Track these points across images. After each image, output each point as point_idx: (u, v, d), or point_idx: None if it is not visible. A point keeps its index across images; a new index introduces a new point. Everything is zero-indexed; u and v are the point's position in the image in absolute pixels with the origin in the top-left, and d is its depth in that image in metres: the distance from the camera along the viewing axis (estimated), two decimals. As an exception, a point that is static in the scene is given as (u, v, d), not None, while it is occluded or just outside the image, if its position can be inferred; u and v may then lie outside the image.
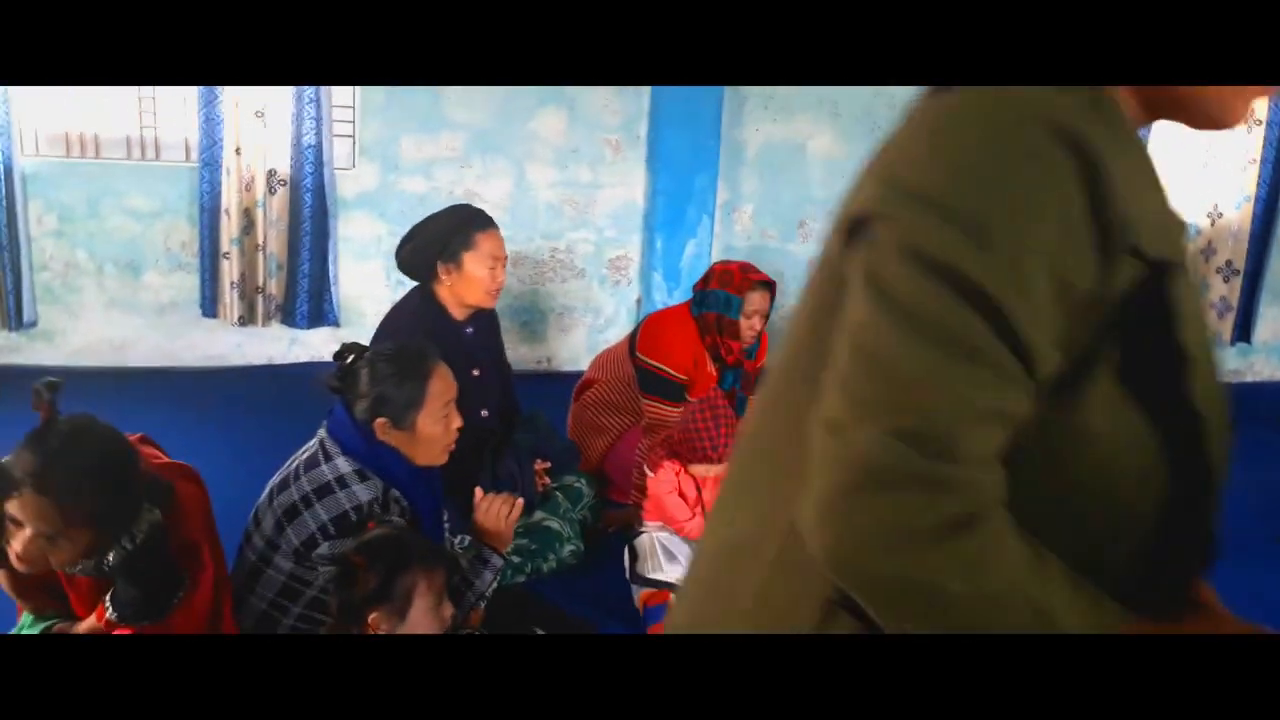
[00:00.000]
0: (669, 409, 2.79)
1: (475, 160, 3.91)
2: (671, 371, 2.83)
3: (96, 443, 1.54)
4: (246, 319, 3.79)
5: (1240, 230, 4.52)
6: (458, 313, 2.59)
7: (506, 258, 2.63)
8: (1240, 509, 3.32)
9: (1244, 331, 4.66)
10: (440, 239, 2.52)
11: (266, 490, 1.94)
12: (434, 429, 1.90)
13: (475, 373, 2.55)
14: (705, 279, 2.91)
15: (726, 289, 2.82)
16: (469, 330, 2.62)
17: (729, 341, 2.85)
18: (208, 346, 3.88)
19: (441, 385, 1.92)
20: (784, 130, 4.13)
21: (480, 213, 2.61)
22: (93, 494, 1.49)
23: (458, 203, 3.00)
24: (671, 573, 2.39)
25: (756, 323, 2.85)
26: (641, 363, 2.87)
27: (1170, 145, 4.33)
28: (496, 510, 2.00)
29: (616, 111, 3.97)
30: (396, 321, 2.56)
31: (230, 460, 2.57)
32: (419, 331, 2.35)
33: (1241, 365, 4.75)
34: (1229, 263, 4.56)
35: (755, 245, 4.18)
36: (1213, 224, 4.51)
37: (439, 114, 3.82)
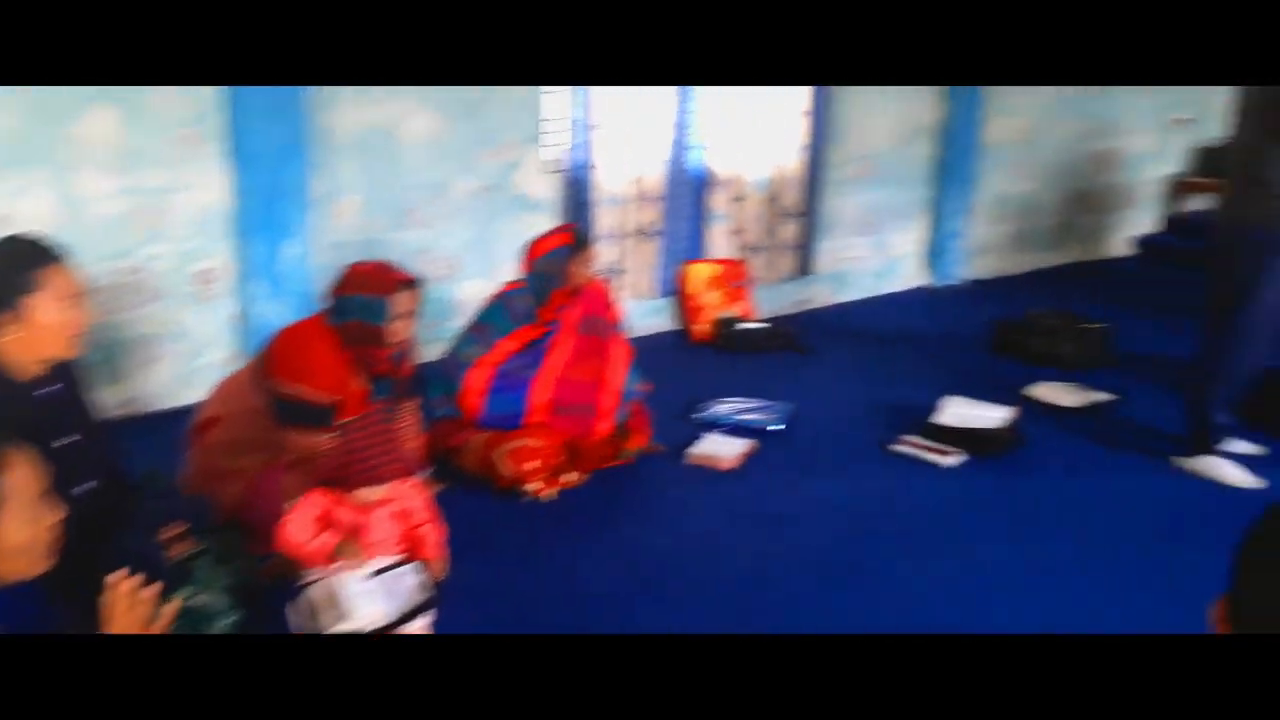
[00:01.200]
0: (318, 437, 2.47)
1: (6, 174, 3.16)
2: (314, 394, 2.51)
3: None
4: None
5: (798, 176, 5.07)
6: (28, 371, 2.06)
7: (83, 291, 2.13)
8: (858, 417, 3.70)
9: (806, 266, 5.27)
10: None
11: None
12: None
13: (61, 443, 2.06)
14: (340, 284, 2.60)
15: (366, 292, 2.54)
16: (44, 391, 2.10)
17: (375, 351, 2.59)
18: None
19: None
20: (375, 114, 3.85)
21: (37, 244, 2.08)
22: None
23: (-3, 233, 2.38)
24: (362, 618, 2.13)
25: (404, 326, 2.62)
26: (277, 390, 2.51)
27: (738, 102, 4.72)
28: (125, 604, 1.61)
29: (185, 104, 3.42)
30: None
31: None
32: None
33: (806, 295, 5.35)
34: (795, 207, 5.11)
35: (366, 239, 3.87)
36: (779, 173, 5.01)
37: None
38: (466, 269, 4.19)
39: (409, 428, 2.76)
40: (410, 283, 2.63)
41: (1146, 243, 6.76)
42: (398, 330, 2.60)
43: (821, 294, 5.45)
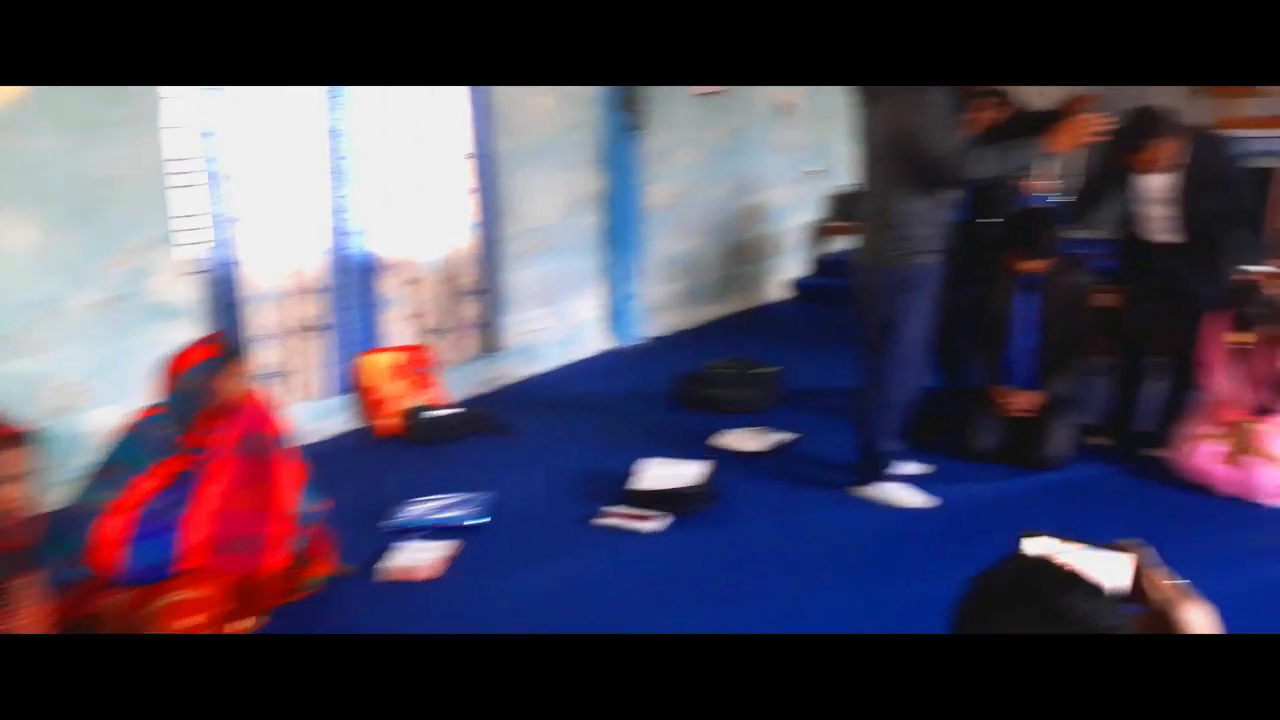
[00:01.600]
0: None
1: None
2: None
3: None
4: None
5: (473, 254, 4.95)
6: None
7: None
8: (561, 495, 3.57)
9: (492, 343, 5.14)
10: None
11: None
12: None
13: None
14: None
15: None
16: None
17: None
18: None
19: None
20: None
21: None
22: None
23: None
24: None
25: (9, 492, 2.11)
26: None
27: (399, 183, 4.53)
28: None
29: None
30: None
31: None
32: None
33: (496, 372, 5.22)
34: (474, 285, 4.98)
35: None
36: (453, 253, 4.86)
37: None
38: (94, 397, 3.61)
39: (28, 609, 2.24)
40: (14, 438, 2.15)
41: (800, 285, 7.34)
42: (2, 498, 2.11)
43: (511, 369, 5.33)
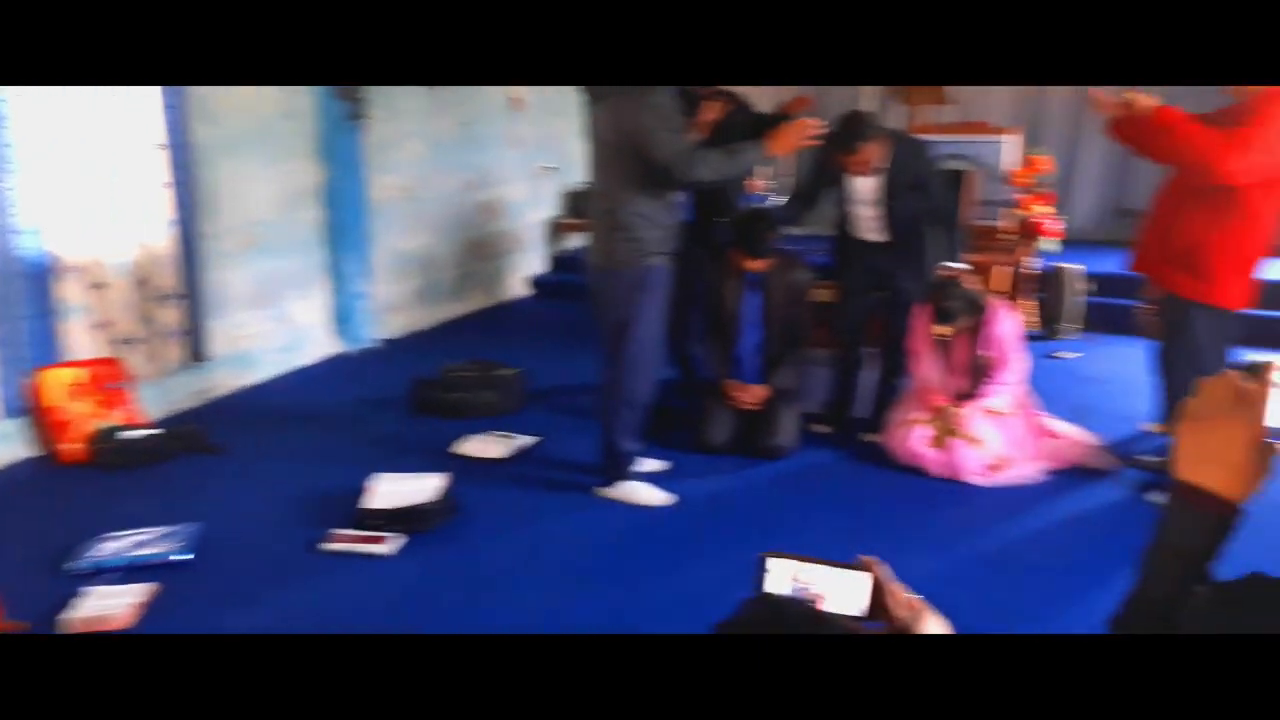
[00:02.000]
0: None
1: None
2: None
3: None
4: None
5: (170, 254, 4.44)
6: None
7: None
8: (283, 520, 3.24)
9: (199, 352, 4.64)
10: None
11: None
12: None
13: None
14: None
15: None
16: None
17: None
18: None
19: None
20: None
21: None
22: None
23: None
24: None
25: None
26: None
27: (79, 176, 3.95)
28: None
29: None
30: None
31: None
32: None
33: (205, 384, 4.74)
34: (173, 288, 4.45)
35: None
36: (146, 253, 4.32)
37: None
38: None
39: None
40: None
41: (538, 282, 7.26)
42: None
43: (223, 380, 4.85)
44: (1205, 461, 0.95)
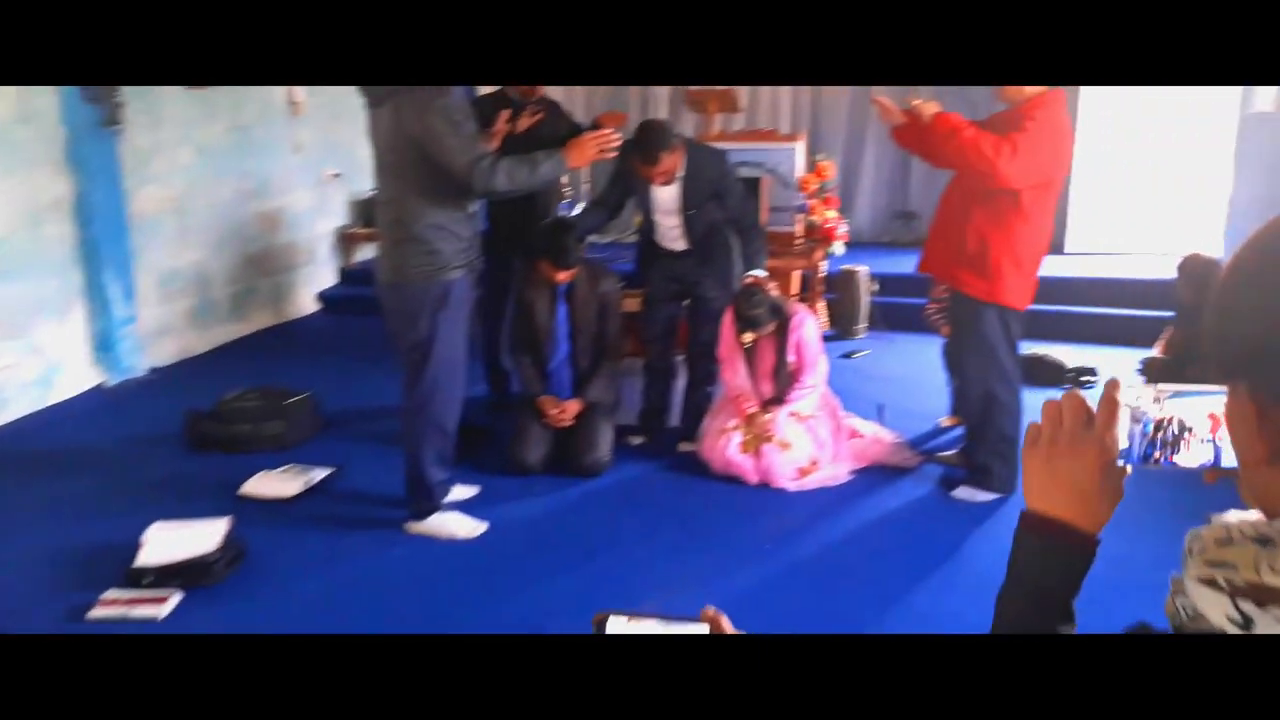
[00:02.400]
0: None
1: None
2: None
3: None
4: None
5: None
6: None
7: None
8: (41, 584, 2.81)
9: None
10: None
11: None
12: None
13: None
14: None
15: None
16: None
17: None
18: None
19: None
20: None
21: None
22: None
23: None
24: None
25: None
26: None
27: None
28: None
29: None
30: None
31: None
32: None
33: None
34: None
35: None
36: None
37: None
38: None
39: None
40: None
41: (328, 297, 6.84)
42: None
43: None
44: (1056, 490, 0.90)
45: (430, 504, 3.28)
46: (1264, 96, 5.61)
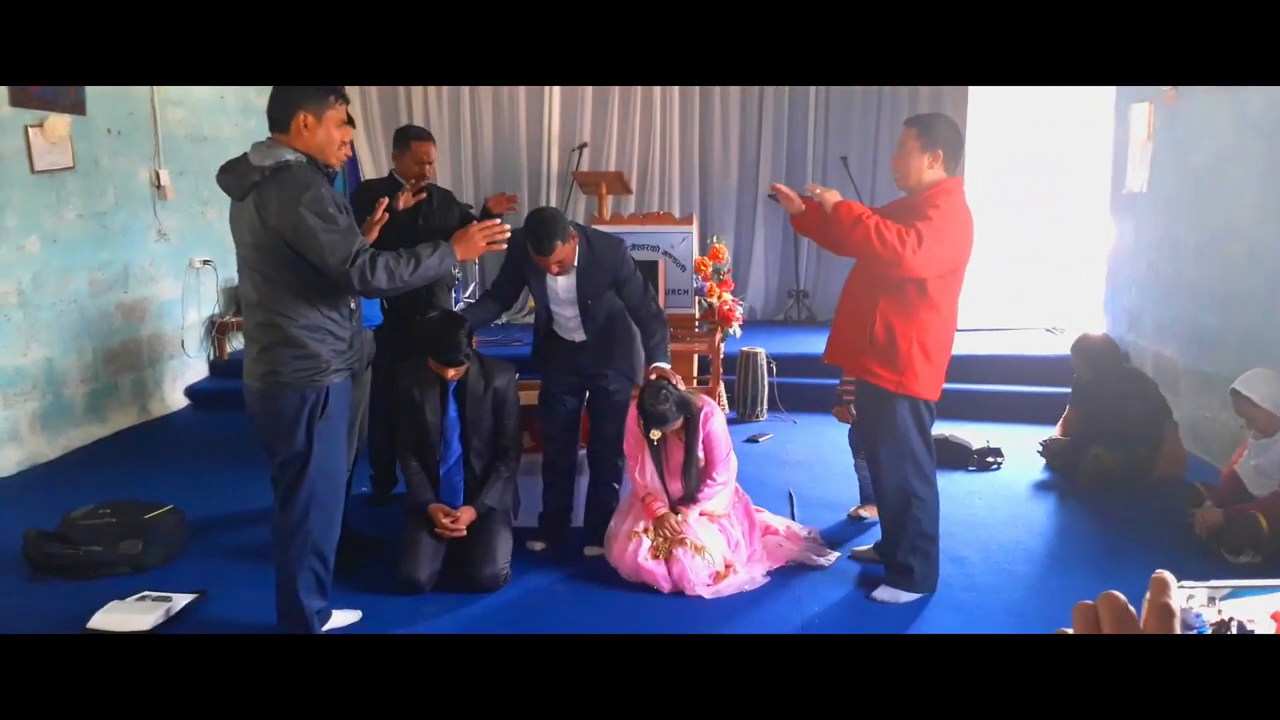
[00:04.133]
0: None
1: None
2: None
3: None
4: None
5: None
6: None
7: None
8: None
9: None
10: None
11: None
12: None
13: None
14: None
15: None
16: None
17: None
18: None
19: None
20: None
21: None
22: None
23: None
24: None
25: None
26: None
27: None
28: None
29: None
30: None
31: None
32: None
33: None
34: None
35: None
36: None
37: None
38: None
39: None
40: None
41: (197, 392, 6.36)
42: None
43: None
44: None
45: (304, 631, 2.92)
46: (1134, 178, 5.83)
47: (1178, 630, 0.70)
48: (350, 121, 2.88)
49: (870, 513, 4.02)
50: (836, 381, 4.65)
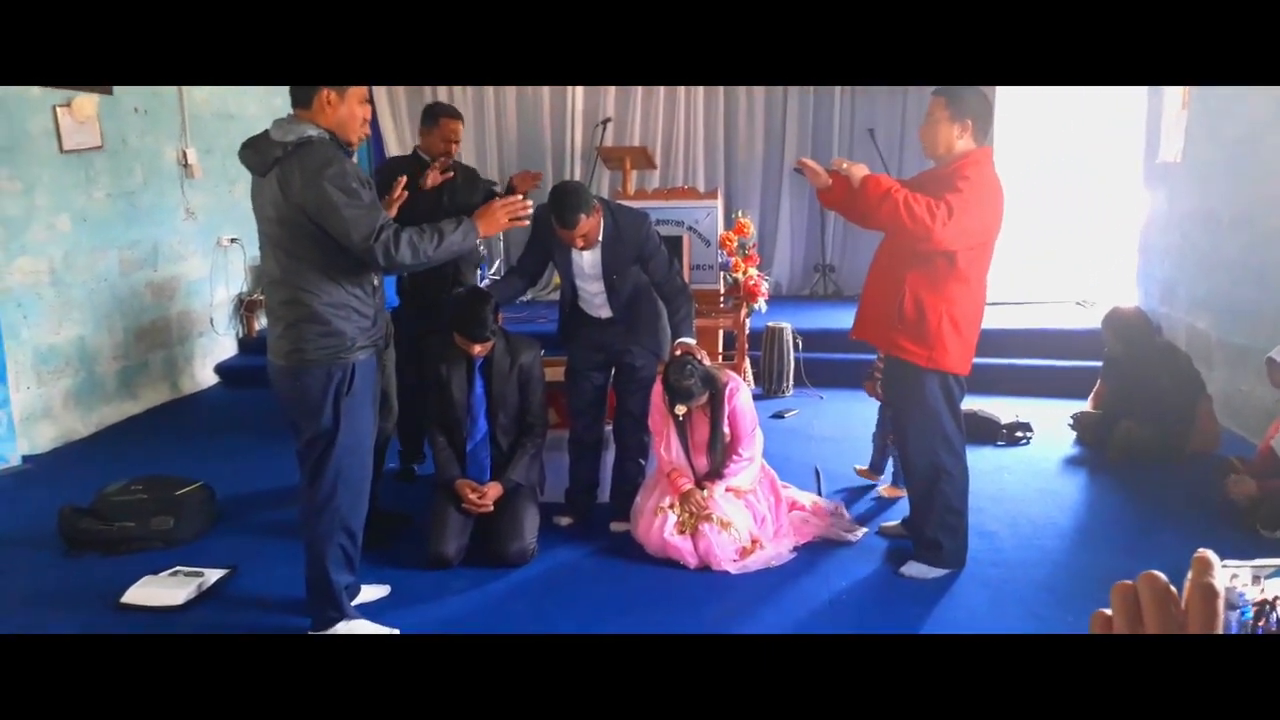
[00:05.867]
0: None
1: None
2: None
3: None
4: None
5: None
6: None
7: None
8: None
9: None
10: None
11: None
12: None
13: None
14: None
15: None
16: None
17: None
18: None
19: None
20: None
21: None
22: None
23: None
24: None
25: None
26: None
27: None
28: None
29: None
30: None
31: None
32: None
33: None
34: None
35: None
36: None
37: None
38: None
39: None
40: None
41: (226, 369, 6.42)
42: None
43: None
44: None
45: (335, 612, 2.94)
46: (1168, 147, 5.72)
47: (1221, 611, 0.68)
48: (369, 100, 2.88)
49: (891, 493, 4.01)
50: (862, 357, 4.62)
